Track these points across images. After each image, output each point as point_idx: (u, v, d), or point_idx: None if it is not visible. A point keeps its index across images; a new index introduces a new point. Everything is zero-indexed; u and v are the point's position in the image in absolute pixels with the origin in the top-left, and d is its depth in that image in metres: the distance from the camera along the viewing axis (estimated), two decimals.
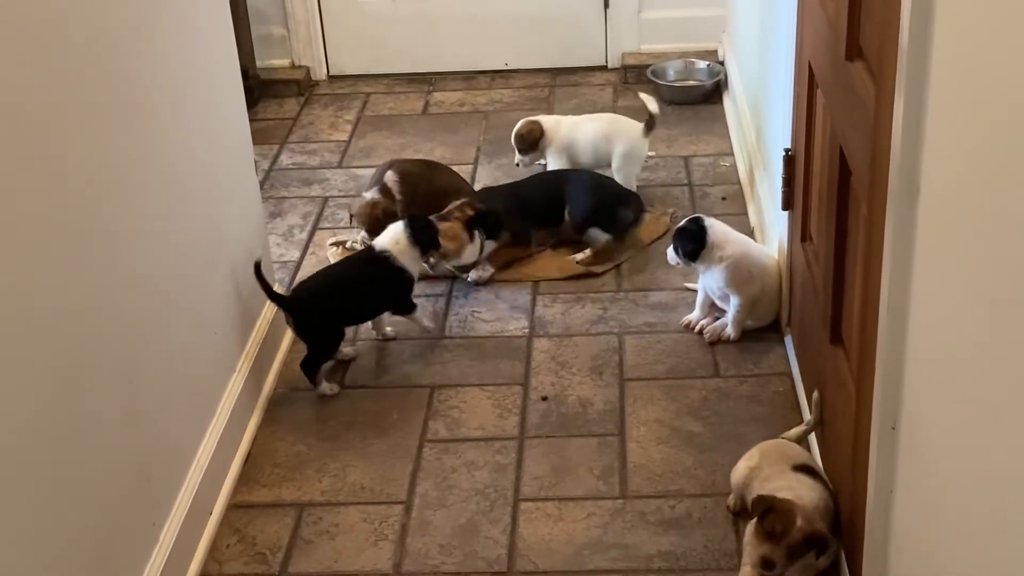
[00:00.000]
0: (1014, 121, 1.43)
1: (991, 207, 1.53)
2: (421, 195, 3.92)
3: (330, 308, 3.24)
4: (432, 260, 3.57)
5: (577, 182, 3.86)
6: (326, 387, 3.23)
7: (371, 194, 3.86)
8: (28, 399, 2.02)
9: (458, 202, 3.66)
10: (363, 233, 3.86)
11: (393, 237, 3.35)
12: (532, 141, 4.07)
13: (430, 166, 4.09)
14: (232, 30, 3.12)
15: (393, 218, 3.76)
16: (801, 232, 3.07)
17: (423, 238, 3.37)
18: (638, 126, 4.02)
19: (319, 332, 3.23)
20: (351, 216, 3.91)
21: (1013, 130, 1.43)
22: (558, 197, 3.83)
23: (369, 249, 3.39)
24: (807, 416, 2.92)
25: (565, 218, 3.81)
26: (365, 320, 3.40)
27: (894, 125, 1.90)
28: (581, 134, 4.07)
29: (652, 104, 4.00)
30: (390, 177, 3.90)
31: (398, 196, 3.85)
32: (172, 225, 2.68)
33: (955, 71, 1.69)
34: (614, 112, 4.39)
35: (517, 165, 4.18)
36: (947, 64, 1.72)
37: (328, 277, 3.35)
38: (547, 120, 4.13)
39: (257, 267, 3.08)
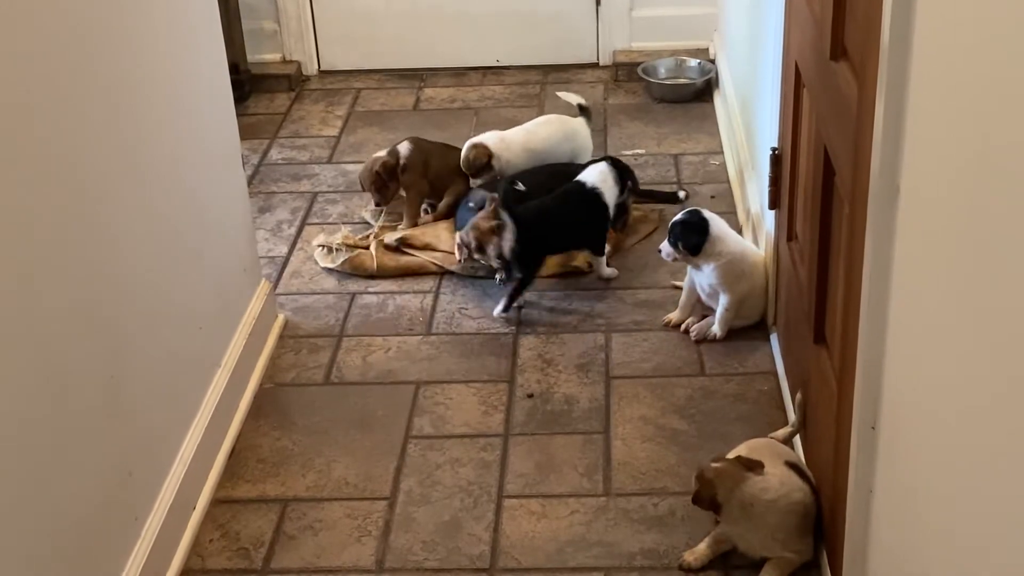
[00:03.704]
0: (992, 122, 1.43)
1: (970, 207, 1.53)
2: (433, 170, 4.02)
3: (545, 236, 3.52)
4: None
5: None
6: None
7: (379, 154, 4.05)
8: (10, 393, 2.01)
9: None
10: (371, 206, 4.06)
11: (601, 175, 3.61)
12: (480, 165, 4.01)
13: (447, 147, 4.15)
14: (220, 25, 3.11)
15: (391, 173, 3.95)
16: (787, 231, 3.07)
17: (624, 177, 3.65)
18: (581, 119, 4.23)
19: (530, 257, 3.48)
20: (361, 184, 4.08)
21: (991, 131, 1.44)
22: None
23: (580, 185, 3.59)
24: (791, 415, 2.92)
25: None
26: (566, 251, 3.64)
27: (875, 125, 1.90)
28: (540, 142, 4.10)
29: (573, 98, 4.30)
30: (404, 145, 4.04)
31: (403, 159, 3.98)
32: (157, 220, 2.67)
33: (935, 71, 1.69)
34: (547, 112, 4.48)
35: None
36: (927, 64, 1.72)
37: (546, 207, 3.57)
38: (492, 139, 4.06)
39: (512, 187, 3.49)
